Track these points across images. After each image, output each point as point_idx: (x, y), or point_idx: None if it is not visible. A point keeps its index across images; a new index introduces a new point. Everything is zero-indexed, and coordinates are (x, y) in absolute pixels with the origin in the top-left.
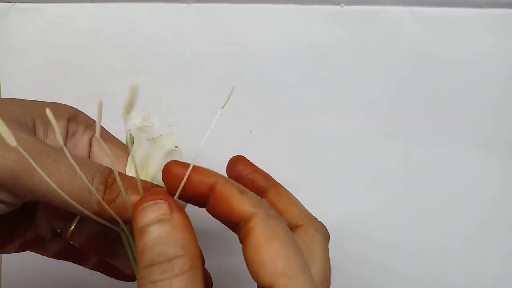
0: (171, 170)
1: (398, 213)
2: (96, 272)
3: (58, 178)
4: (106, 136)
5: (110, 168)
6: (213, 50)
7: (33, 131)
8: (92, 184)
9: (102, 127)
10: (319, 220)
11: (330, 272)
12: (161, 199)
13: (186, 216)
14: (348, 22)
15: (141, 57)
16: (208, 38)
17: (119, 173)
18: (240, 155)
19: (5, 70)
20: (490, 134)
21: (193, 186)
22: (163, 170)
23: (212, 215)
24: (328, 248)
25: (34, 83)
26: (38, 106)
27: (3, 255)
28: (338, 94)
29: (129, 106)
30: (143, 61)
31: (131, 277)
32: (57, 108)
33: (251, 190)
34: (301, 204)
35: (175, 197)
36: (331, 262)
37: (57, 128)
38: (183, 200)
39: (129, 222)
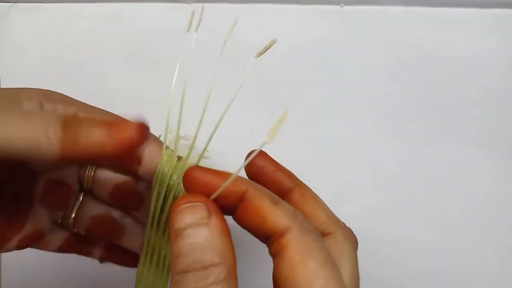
0: (196, 176)
1: (398, 212)
2: (100, 268)
3: (12, 126)
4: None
5: (70, 115)
6: (212, 50)
7: None
8: (48, 128)
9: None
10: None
11: (359, 281)
12: (200, 202)
13: (224, 221)
14: (348, 22)
15: (141, 57)
16: (208, 38)
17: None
18: (261, 150)
19: (5, 70)
20: (490, 134)
21: (221, 195)
22: (184, 176)
23: (240, 225)
24: (357, 257)
25: (34, 83)
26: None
27: (2, 254)
28: (338, 94)
29: (276, 129)
30: (143, 61)
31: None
32: (21, 92)
33: (273, 189)
34: (328, 208)
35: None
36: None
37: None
38: None
39: (110, 159)
